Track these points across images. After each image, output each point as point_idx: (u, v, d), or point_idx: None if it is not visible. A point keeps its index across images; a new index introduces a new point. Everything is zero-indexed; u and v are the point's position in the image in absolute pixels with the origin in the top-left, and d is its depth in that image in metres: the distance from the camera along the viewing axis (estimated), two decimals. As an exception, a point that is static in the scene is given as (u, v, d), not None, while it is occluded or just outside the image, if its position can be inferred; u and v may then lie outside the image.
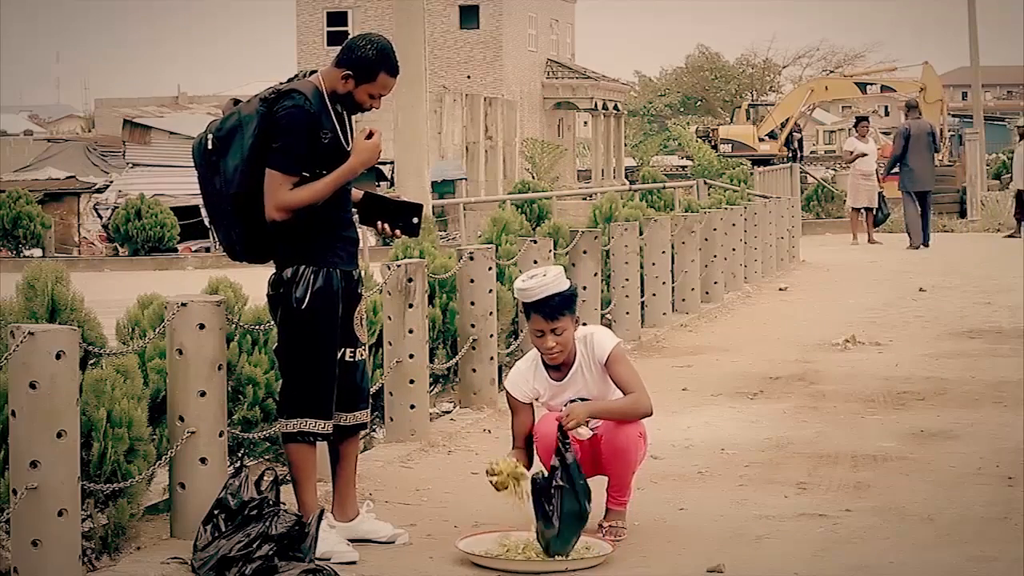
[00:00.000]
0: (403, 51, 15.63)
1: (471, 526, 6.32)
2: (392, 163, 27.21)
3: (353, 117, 6.08)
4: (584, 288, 11.17)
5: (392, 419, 8.19)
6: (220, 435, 6.05)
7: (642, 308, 13.28)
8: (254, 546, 5.42)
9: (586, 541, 5.91)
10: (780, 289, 17.90)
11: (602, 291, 11.97)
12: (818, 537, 6.24)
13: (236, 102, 5.99)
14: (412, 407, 8.16)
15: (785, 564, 5.82)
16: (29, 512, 5.00)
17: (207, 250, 27.94)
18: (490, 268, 9.22)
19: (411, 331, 8.07)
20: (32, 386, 4.98)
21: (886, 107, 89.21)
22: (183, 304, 6.00)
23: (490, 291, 9.23)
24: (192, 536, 5.62)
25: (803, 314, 15.23)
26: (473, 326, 9.15)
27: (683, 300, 14.77)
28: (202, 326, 5.98)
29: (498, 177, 48.25)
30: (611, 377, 6.21)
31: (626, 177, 54.98)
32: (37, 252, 28.31)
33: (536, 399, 6.31)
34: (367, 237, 21.63)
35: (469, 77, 57.82)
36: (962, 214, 32.03)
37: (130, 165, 34.80)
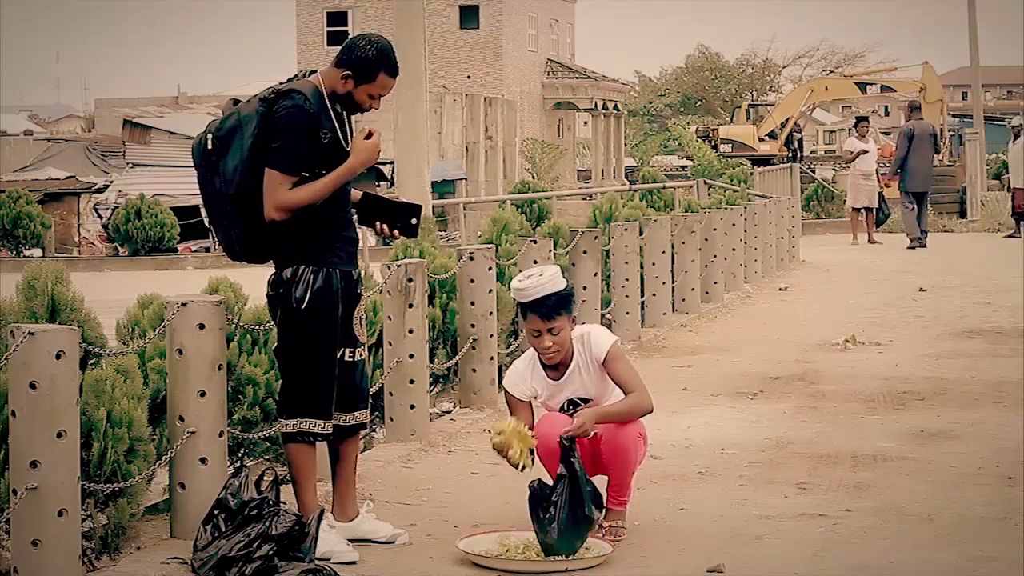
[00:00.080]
0: (403, 51, 15.62)
1: (471, 526, 6.32)
2: (392, 163, 27.20)
3: (352, 117, 6.08)
4: (584, 288, 11.18)
5: (392, 419, 8.19)
6: (220, 435, 6.05)
7: (642, 308, 13.28)
8: (254, 546, 5.42)
9: (586, 541, 5.91)
10: (780, 289, 17.91)
11: (602, 291, 11.97)
12: (818, 537, 6.24)
13: (236, 102, 5.99)
14: (412, 407, 8.16)
15: (785, 564, 5.82)
16: (29, 512, 5.00)
17: (207, 250, 27.95)
18: (490, 268, 9.22)
19: (411, 331, 8.08)
20: (32, 386, 4.98)
21: (886, 107, 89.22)
22: (183, 304, 6.00)
23: (490, 291, 9.23)
24: (192, 536, 5.62)
25: (803, 314, 15.24)
26: (473, 326, 9.15)
27: (683, 300, 14.77)
28: (202, 326, 5.98)
29: (498, 177, 48.25)
30: (610, 376, 6.21)
31: (626, 177, 54.98)
32: (37, 252, 28.32)
33: (534, 398, 6.31)
34: (367, 237, 21.62)
35: (469, 77, 57.82)
36: (962, 214, 32.04)
37: (130, 165, 34.81)
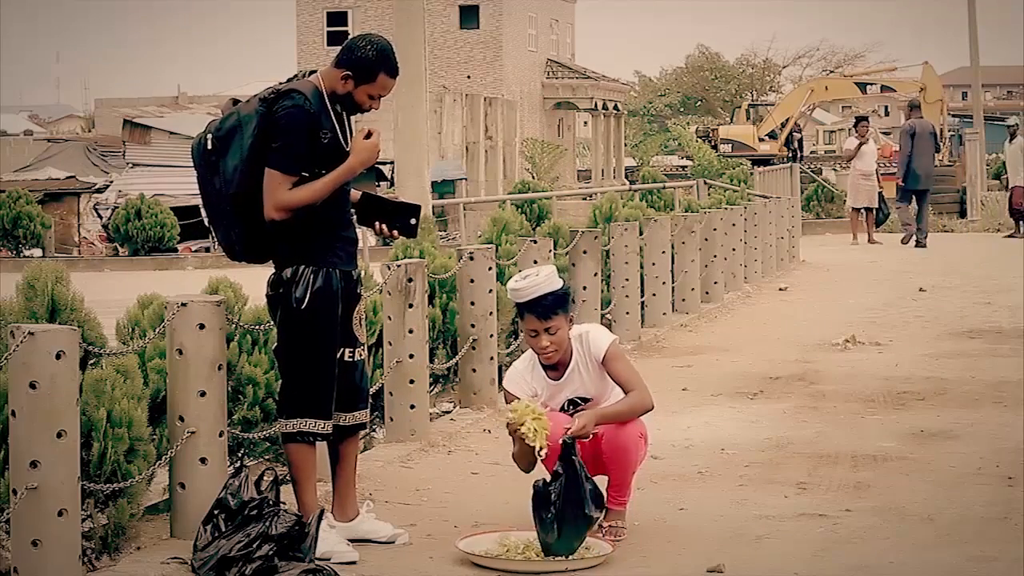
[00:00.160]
0: (403, 51, 15.62)
1: (471, 526, 6.32)
2: (392, 163, 27.21)
3: (352, 117, 6.08)
4: (584, 288, 11.18)
5: (392, 419, 8.19)
6: (220, 435, 6.05)
7: (642, 308, 13.28)
8: (254, 546, 5.42)
9: (586, 541, 5.91)
10: (780, 289, 17.90)
11: (602, 291, 11.97)
12: (818, 537, 6.24)
13: (235, 102, 5.99)
14: (412, 407, 8.16)
15: (785, 564, 5.82)
16: (29, 512, 5.00)
17: (207, 250, 27.95)
18: (490, 268, 9.22)
19: (411, 331, 8.08)
20: (32, 386, 4.98)
21: (886, 107, 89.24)
22: (183, 304, 6.00)
23: (490, 291, 9.23)
24: (192, 536, 5.62)
25: (803, 314, 15.24)
26: (473, 326, 9.15)
27: (683, 300, 14.77)
28: (202, 326, 5.98)
29: (498, 177, 48.25)
30: (609, 375, 6.21)
31: (626, 177, 54.97)
32: (37, 252, 28.33)
33: (535, 397, 6.29)
34: (367, 237, 21.62)
35: (469, 77, 57.82)
36: (962, 214, 32.06)
37: (130, 165, 34.83)
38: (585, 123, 69.42)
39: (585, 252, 11.37)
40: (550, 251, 10.52)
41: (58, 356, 5.01)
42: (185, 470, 5.99)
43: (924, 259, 22.11)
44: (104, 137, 44.14)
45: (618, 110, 62.97)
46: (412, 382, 8.12)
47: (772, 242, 20.27)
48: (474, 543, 5.91)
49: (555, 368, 6.26)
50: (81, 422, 5.28)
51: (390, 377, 8.11)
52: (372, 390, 6.61)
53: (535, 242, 10.51)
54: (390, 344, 8.11)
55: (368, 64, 5.89)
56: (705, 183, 27.50)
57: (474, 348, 9.16)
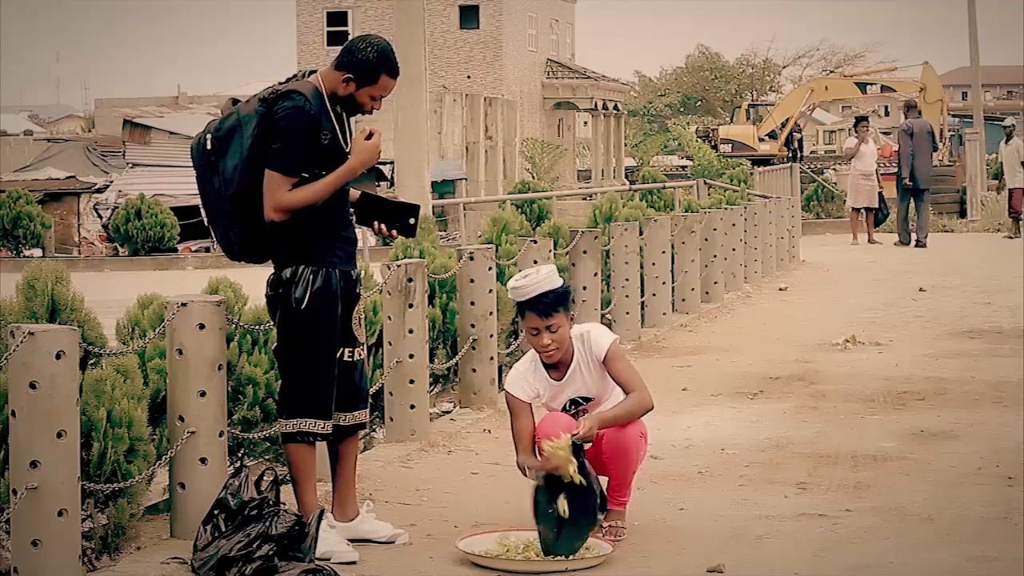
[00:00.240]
0: (403, 51, 15.62)
1: (471, 526, 6.32)
2: (392, 163, 27.22)
3: (352, 118, 6.08)
4: (584, 288, 11.18)
5: (392, 419, 8.19)
6: (220, 435, 6.05)
7: (642, 308, 13.28)
8: (254, 546, 5.42)
9: (586, 541, 5.91)
10: (780, 289, 17.91)
11: (602, 291, 11.97)
12: (818, 537, 6.24)
13: (235, 102, 5.99)
14: (412, 407, 8.16)
15: (785, 564, 5.82)
16: (29, 512, 5.00)
17: (207, 250, 27.95)
18: (490, 268, 9.22)
19: (411, 331, 8.07)
20: (32, 386, 4.98)
21: (886, 107, 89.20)
22: (183, 304, 6.00)
23: (490, 291, 9.23)
24: (192, 536, 5.62)
25: (803, 314, 15.24)
26: (473, 326, 9.15)
27: (683, 300, 14.77)
28: (202, 326, 5.98)
29: (498, 177, 48.25)
30: (610, 374, 6.21)
31: (626, 177, 54.97)
32: (37, 252, 28.33)
33: (536, 398, 6.30)
34: (367, 237, 21.62)
35: (469, 77, 57.81)
36: (962, 214, 32.07)
37: (130, 165, 34.83)
38: (585, 123, 69.41)
39: (585, 252, 11.37)
40: (550, 251, 10.52)
41: (58, 356, 5.01)
42: (185, 470, 5.98)
43: (924, 259, 22.11)
44: (104, 137, 44.17)
45: (618, 110, 62.97)
46: (412, 382, 8.12)
47: (772, 242, 20.27)
48: (474, 543, 5.91)
49: (556, 368, 6.26)
50: (81, 422, 5.28)
51: (390, 377, 8.11)
52: (372, 390, 6.61)
53: (535, 242, 10.51)
54: (390, 344, 8.11)
55: (369, 66, 5.89)
56: (705, 183, 27.50)
57: (474, 348, 9.16)
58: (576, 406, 6.27)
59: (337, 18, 59.42)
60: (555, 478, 5.87)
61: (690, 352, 12.30)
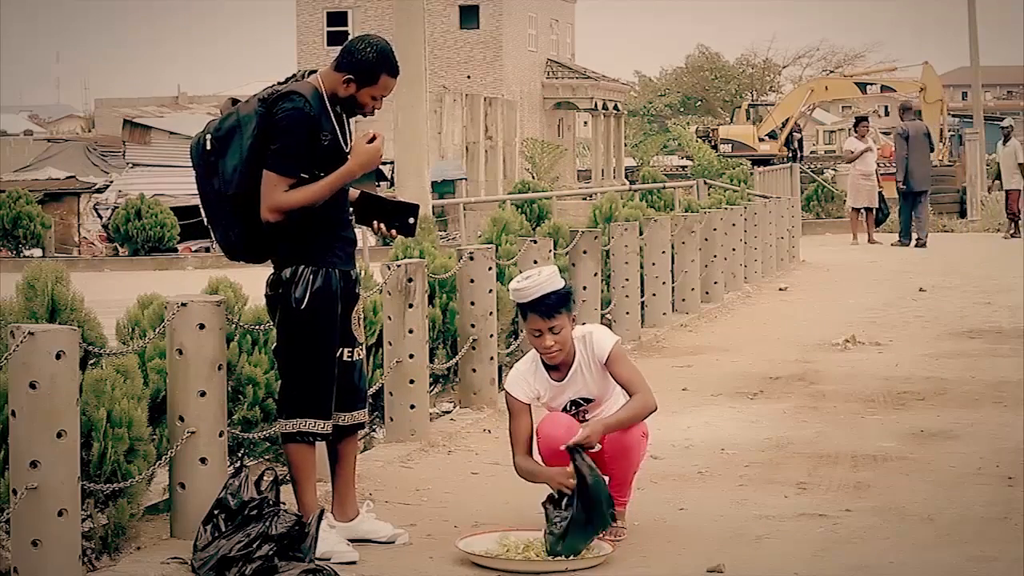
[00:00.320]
0: (403, 51, 15.62)
1: (471, 526, 6.32)
2: (392, 163, 27.21)
3: (352, 119, 6.07)
4: (584, 288, 11.17)
5: (392, 419, 8.19)
6: (220, 435, 6.05)
7: (642, 308, 13.28)
8: (254, 546, 5.42)
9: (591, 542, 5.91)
10: (780, 289, 17.91)
11: (602, 291, 11.97)
12: (818, 537, 6.24)
13: (234, 102, 5.98)
14: (412, 407, 8.15)
15: (785, 564, 5.82)
16: (29, 512, 5.00)
17: (207, 250, 27.95)
18: (490, 268, 9.22)
19: (411, 331, 8.07)
20: (32, 386, 4.98)
21: (886, 107, 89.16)
22: (183, 304, 6.00)
23: (490, 291, 9.23)
24: (192, 536, 5.62)
25: (803, 314, 15.24)
26: (473, 326, 9.15)
27: (683, 300, 14.77)
28: (202, 326, 5.98)
29: (498, 177, 48.24)
30: (612, 376, 6.21)
31: (626, 177, 54.97)
32: (37, 252, 28.33)
33: (536, 399, 6.30)
34: (367, 237, 21.62)
35: (469, 77, 57.82)
36: (962, 214, 32.07)
37: (130, 165, 34.83)
38: (585, 123, 69.41)
39: (585, 252, 11.37)
40: (550, 251, 10.51)
41: (58, 356, 5.01)
42: (185, 470, 5.98)
43: (924, 259, 22.12)
44: (104, 137, 44.15)
45: (618, 110, 62.97)
46: (412, 382, 8.12)
47: (772, 242, 20.27)
48: (474, 543, 5.91)
49: (558, 369, 6.25)
50: (81, 422, 5.28)
51: (390, 377, 8.11)
52: (372, 390, 6.61)
53: (535, 242, 10.51)
54: (390, 344, 8.11)
55: (369, 66, 5.88)
56: (705, 183, 27.49)
57: (474, 348, 9.16)
58: (576, 407, 6.26)
59: (337, 18, 59.43)
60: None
61: (690, 352, 12.30)
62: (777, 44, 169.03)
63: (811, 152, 59.66)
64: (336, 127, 5.90)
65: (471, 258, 9.16)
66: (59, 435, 5.01)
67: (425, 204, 15.75)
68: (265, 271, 6.01)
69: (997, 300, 15.91)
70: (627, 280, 12.68)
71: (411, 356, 8.08)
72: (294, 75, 6.03)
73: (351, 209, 6.12)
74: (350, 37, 6.18)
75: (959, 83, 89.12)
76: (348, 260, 6.03)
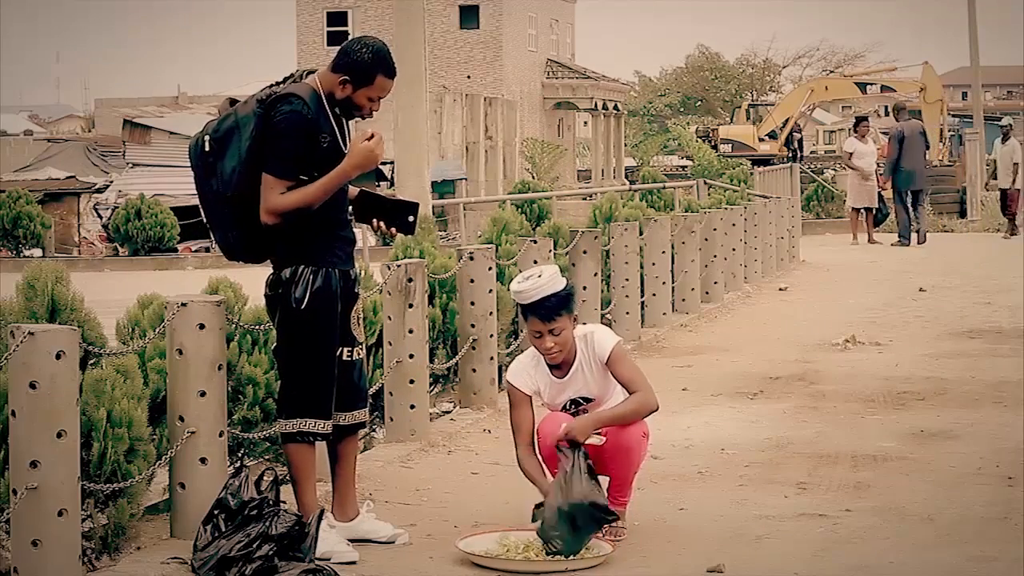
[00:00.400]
0: (403, 51, 15.62)
1: (471, 526, 6.32)
2: (392, 163, 27.21)
3: (352, 121, 6.06)
4: (584, 288, 11.17)
5: (392, 419, 8.19)
6: (220, 435, 6.05)
7: (642, 308, 13.28)
8: (254, 546, 5.42)
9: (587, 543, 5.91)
10: (780, 289, 17.91)
11: (602, 291, 11.97)
12: (818, 537, 6.24)
13: (232, 102, 5.97)
14: (412, 407, 8.15)
15: (785, 564, 5.82)
16: (29, 512, 5.00)
17: (207, 250, 27.95)
18: (490, 268, 9.22)
19: (411, 331, 8.07)
20: (32, 386, 4.98)
21: (886, 107, 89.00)
22: (183, 304, 6.00)
23: (490, 291, 9.23)
24: (192, 536, 5.62)
25: (803, 314, 15.24)
26: (473, 326, 9.15)
27: (683, 300, 14.77)
28: (202, 326, 5.98)
29: (498, 177, 48.24)
30: (614, 376, 6.21)
31: (626, 177, 54.97)
32: (37, 252, 28.32)
33: (537, 394, 6.30)
34: (367, 237, 21.62)
35: (469, 77, 57.81)
36: (962, 214, 32.07)
37: (130, 165, 34.82)
38: (585, 123, 69.41)
39: (585, 252, 11.37)
40: (550, 251, 10.51)
41: (58, 356, 5.01)
42: (185, 470, 5.98)
43: (924, 259, 22.11)
44: (104, 137, 44.15)
45: (618, 110, 62.97)
46: (412, 382, 8.12)
47: (772, 242, 20.27)
48: (474, 543, 5.91)
49: (559, 367, 6.25)
50: (81, 422, 5.28)
51: (390, 377, 8.11)
52: (372, 390, 6.60)
53: (535, 242, 10.51)
54: (390, 344, 8.11)
55: (364, 67, 5.87)
56: (705, 183, 27.49)
57: (474, 348, 9.16)
58: (576, 406, 6.26)
59: (337, 18, 59.42)
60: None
61: (690, 352, 12.30)
62: (777, 44, 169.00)
63: (811, 152, 59.63)
64: (335, 128, 5.89)
65: (471, 258, 9.16)
66: (59, 435, 5.01)
67: (425, 204, 15.75)
68: (265, 271, 6.01)
69: (997, 300, 15.91)
70: (627, 280, 12.68)
71: (411, 356, 8.08)
72: (292, 74, 6.02)
73: (350, 208, 6.11)
74: (350, 37, 6.16)
75: (959, 83, 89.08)
76: (347, 260, 6.03)
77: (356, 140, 5.91)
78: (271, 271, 5.97)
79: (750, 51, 77.68)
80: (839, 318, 14.47)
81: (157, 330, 6.26)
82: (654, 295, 13.63)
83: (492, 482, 7.34)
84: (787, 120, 46.56)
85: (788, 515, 6.61)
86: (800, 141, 48.17)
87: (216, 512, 5.53)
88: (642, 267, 13.32)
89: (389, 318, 8.10)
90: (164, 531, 6.13)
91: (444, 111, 45.74)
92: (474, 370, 9.21)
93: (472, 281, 9.16)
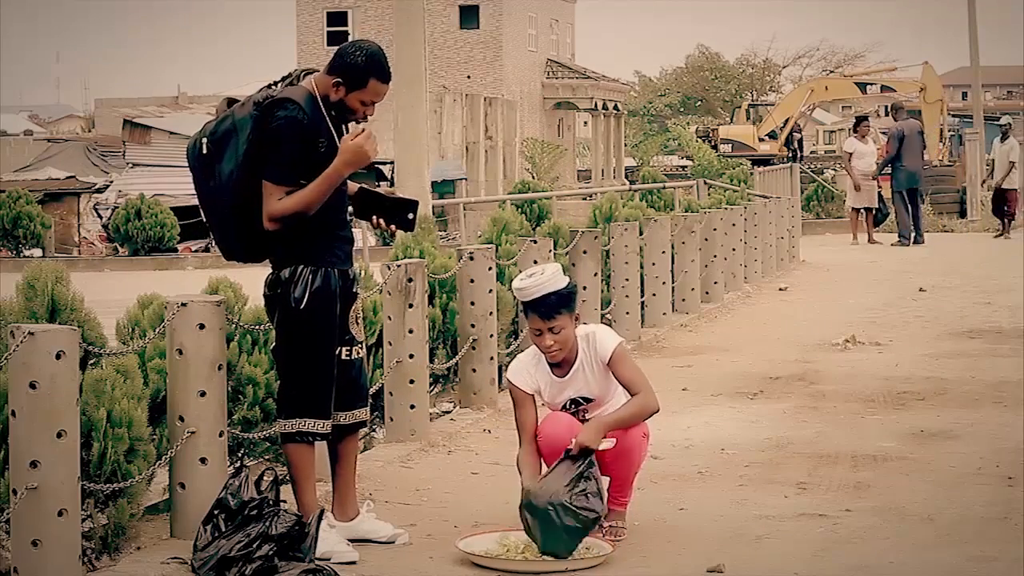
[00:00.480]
0: (403, 51, 15.64)
1: (471, 526, 6.32)
2: (392, 163, 27.21)
3: (350, 123, 6.05)
4: (584, 288, 11.17)
5: (392, 419, 8.19)
6: (220, 435, 6.05)
7: (642, 308, 13.28)
8: (254, 546, 5.42)
9: (586, 541, 5.91)
10: (780, 289, 17.90)
11: (602, 291, 11.97)
12: (818, 537, 6.24)
13: (231, 102, 5.96)
14: (412, 407, 8.16)
15: (785, 564, 5.82)
16: (29, 512, 5.00)
17: (207, 250, 27.95)
18: (490, 268, 9.22)
19: (411, 331, 8.07)
20: (32, 386, 4.98)
21: (886, 107, 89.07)
22: (183, 304, 6.00)
23: (490, 291, 9.23)
24: (192, 536, 5.62)
25: (803, 314, 15.24)
26: (473, 326, 9.15)
27: (683, 300, 14.77)
28: (202, 326, 5.98)
29: (498, 177, 48.25)
30: (615, 376, 6.21)
31: (626, 177, 54.97)
32: (37, 252, 28.32)
33: (537, 393, 6.29)
34: (367, 237, 21.62)
35: (469, 77, 57.82)
36: (962, 214, 32.06)
37: (130, 165, 34.83)
38: (585, 123, 69.41)
39: (585, 252, 11.37)
40: (550, 251, 10.51)
41: (58, 356, 5.01)
42: (185, 470, 5.98)
43: (924, 259, 22.11)
44: (104, 137, 44.17)
45: (618, 110, 62.97)
46: (412, 382, 8.12)
47: (772, 242, 20.27)
48: (474, 543, 5.91)
49: (560, 365, 6.25)
50: (81, 422, 5.28)
51: (390, 377, 8.11)
52: (372, 390, 6.60)
53: (535, 242, 10.51)
54: (390, 344, 8.11)
55: (357, 70, 5.85)
56: (705, 183, 27.48)
57: (474, 348, 9.16)
58: (576, 406, 6.26)
59: (337, 18, 59.41)
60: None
61: (690, 352, 12.30)
62: (777, 44, 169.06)
63: (811, 152, 59.64)
64: (332, 131, 5.87)
65: (471, 258, 9.16)
66: (59, 435, 5.01)
67: (425, 204, 15.74)
68: (264, 271, 6.01)
69: (997, 300, 15.91)
70: (627, 280, 12.68)
71: (411, 356, 8.08)
72: (291, 74, 6.01)
73: (350, 207, 6.11)
74: (350, 37, 6.15)
75: (959, 83, 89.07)
76: (346, 259, 6.02)
77: (344, 138, 5.87)
78: (270, 271, 5.97)
79: (750, 51, 77.78)
80: (839, 318, 14.47)
81: (157, 330, 6.26)
82: (654, 295, 13.63)
83: (492, 482, 7.34)
84: (787, 120, 46.56)
85: (788, 515, 6.61)
86: (800, 141, 48.18)
87: (216, 512, 5.53)
88: (642, 267, 13.32)
89: (389, 318, 8.10)
90: (164, 531, 6.14)
91: (444, 111, 45.75)
92: (474, 370, 9.22)
93: (472, 281, 9.16)
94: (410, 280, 8.05)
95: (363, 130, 5.89)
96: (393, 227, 6.12)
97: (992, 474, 7.42)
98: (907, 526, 6.40)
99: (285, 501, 5.70)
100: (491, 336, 9.23)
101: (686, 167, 50.10)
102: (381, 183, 30.30)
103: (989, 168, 32.46)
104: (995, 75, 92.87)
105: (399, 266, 8.10)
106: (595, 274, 11.50)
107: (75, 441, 5.11)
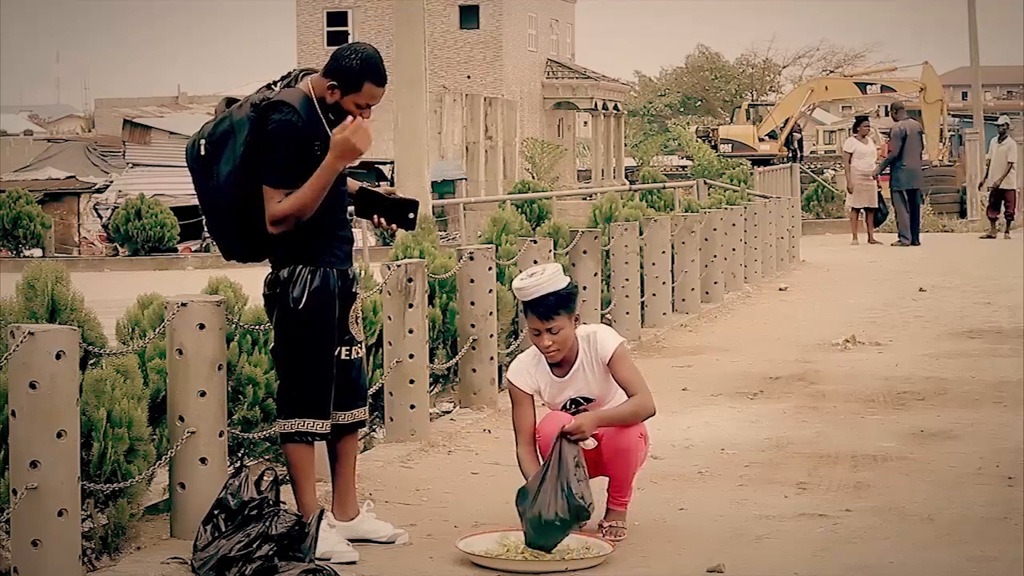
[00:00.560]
0: (403, 51, 15.63)
1: (471, 526, 6.33)
2: (392, 163, 27.21)
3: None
4: (584, 288, 11.16)
5: (392, 419, 8.19)
6: (220, 435, 6.05)
7: (642, 308, 13.28)
8: (254, 546, 5.43)
9: (586, 541, 5.92)
10: (780, 289, 17.91)
11: (602, 291, 11.97)
12: (818, 537, 6.24)
13: (230, 101, 5.96)
14: (412, 407, 8.16)
15: (785, 564, 5.82)
16: (29, 512, 5.00)
17: (207, 250, 27.95)
18: (490, 268, 9.22)
19: (411, 331, 8.07)
20: (32, 386, 4.98)
21: (886, 107, 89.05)
22: (183, 304, 6.00)
23: (490, 291, 9.23)
24: (192, 536, 5.62)
25: (803, 314, 15.24)
26: (473, 326, 9.15)
27: (683, 300, 14.77)
28: (202, 326, 5.98)
29: (498, 177, 48.26)
30: (614, 377, 6.21)
31: (626, 177, 54.97)
32: (37, 252, 28.34)
33: (537, 393, 6.30)
34: (367, 237, 21.62)
35: (469, 77, 57.82)
36: (962, 214, 32.07)
37: (130, 165, 34.84)
38: (585, 123, 69.42)
39: (585, 252, 11.37)
40: (550, 251, 10.51)
41: (58, 356, 5.01)
42: (185, 470, 5.98)
43: (924, 259, 22.11)
44: (104, 137, 44.18)
45: (618, 110, 62.98)
46: (412, 382, 8.12)
47: (772, 242, 20.27)
48: (474, 543, 5.92)
49: (560, 365, 6.26)
50: (81, 422, 5.28)
51: (390, 377, 8.11)
52: (372, 390, 6.61)
53: (535, 242, 10.51)
54: (390, 344, 8.11)
55: (352, 73, 5.83)
56: (705, 183, 27.48)
57: (474, 348, 9.16)
58: (576, 406, 6.26)
59: (337, 18, 59.41)
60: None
61: (690, 352, 12.30)
62: (777, 44, 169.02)
63: (811, 152, 59.64)
64: (328, 133, 5.86)
65: (471, 258, 9.16)
66: (59, 435, 5.01)
67: (425, 204, 15.74)
68: (264, 271, 6.01)
69: (997, 300, 15.91)
70: (627, 280, 12.68)
71: (411, 356, 8.09)
72: (290, 74, 6.01)
73: (350, 207, 6.11)
74: (350, 37, 6.15)
75: (959, 83, 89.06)
76: (346, 259, 6.02)
77: (335, 132, 5.85)
78: (270, 271, 5.97)
79: (750, 51, 77.78)
80: (839, 318, 14.47)
81: (157, 330, 6.26)
82: (654, 295, 13.63)
83: (492, 482, 7.34)
84: (787, 120, 46.56)
85: (788, 515, 6.61)
86: (800, 141, 48.17)
87: (216, 512, 5.53)
88: (642, 267, 13.32)
89: (389, 318, 8.10)
90: (164, 531, 6.14)
91: (444, 111, 45.75)
92: (474, 370, 9.22)
93: (472, 281, 9.16)
94: (410, 280, 8.05)
95: (352, 121, 5.84)
96: (394, 226, 6.12)
97: (992, 474, 7.42)
98: (907, 526, 6.40)
99: (285, 501, 5.70)
100: (491, 336, 9.23)
101: (686, 167, 50.11)
102: (381, 183, 30.29)
103: (986, 169, 32.50)
104: (995, 75, 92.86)
105: (399, 266, 8.10)
106: (595, 274, 11.50)
107: (75, 441, 5.11)
